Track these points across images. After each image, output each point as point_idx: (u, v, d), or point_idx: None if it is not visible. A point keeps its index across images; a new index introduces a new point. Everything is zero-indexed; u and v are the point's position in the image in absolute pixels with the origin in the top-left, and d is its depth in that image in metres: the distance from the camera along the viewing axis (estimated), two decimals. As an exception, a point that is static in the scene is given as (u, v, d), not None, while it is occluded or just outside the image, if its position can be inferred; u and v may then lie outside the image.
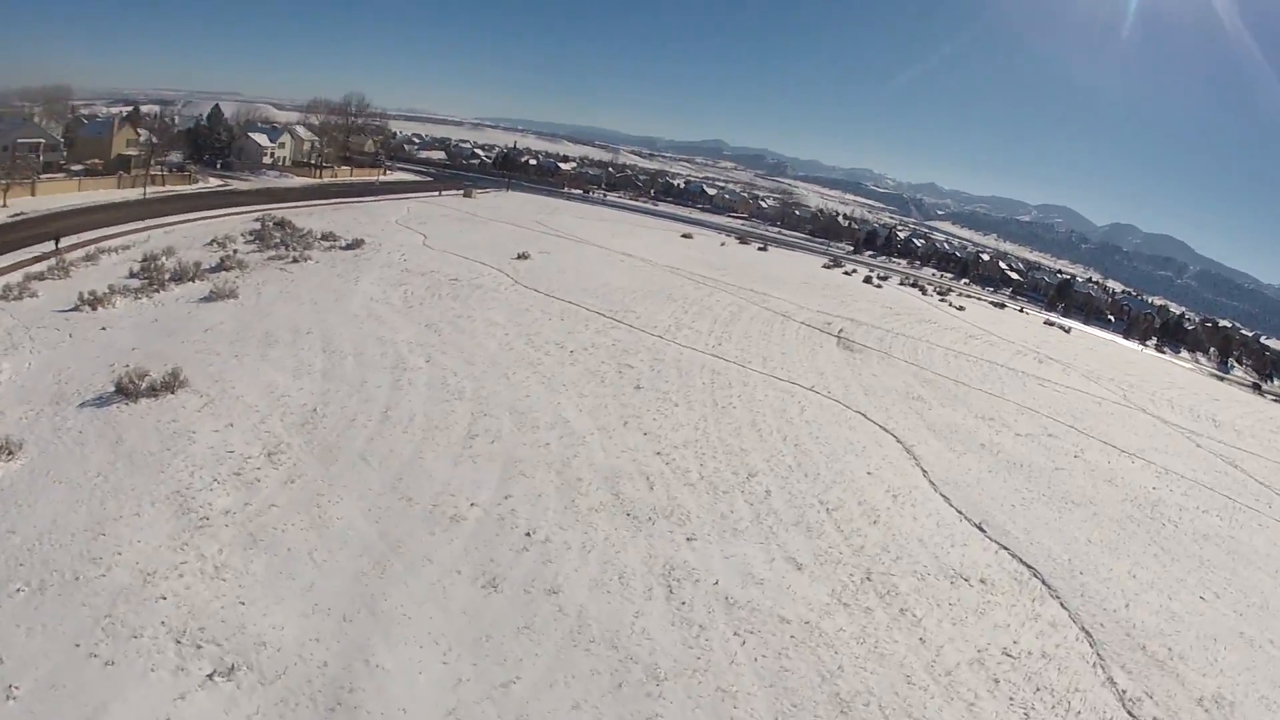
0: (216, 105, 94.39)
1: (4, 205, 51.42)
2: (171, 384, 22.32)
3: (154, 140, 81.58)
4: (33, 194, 56.20)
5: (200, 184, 77.51)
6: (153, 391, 21.82)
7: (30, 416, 19.54)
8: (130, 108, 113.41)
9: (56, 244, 38.42)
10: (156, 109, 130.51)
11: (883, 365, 46.62)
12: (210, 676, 12.11)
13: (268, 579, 14.68)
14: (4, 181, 53.66)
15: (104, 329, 27.58)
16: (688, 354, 39.15)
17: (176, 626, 12.97)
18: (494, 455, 22.49)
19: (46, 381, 22.06)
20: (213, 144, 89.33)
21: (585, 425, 26.44)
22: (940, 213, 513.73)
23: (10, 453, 17.00)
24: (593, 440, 25.16)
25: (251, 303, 34.56)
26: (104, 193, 62.78)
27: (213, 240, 47.65)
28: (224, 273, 39.57)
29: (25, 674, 11.61)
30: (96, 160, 74.33)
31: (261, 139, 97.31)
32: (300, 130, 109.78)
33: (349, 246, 53.50)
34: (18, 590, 13.24)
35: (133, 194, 61.86)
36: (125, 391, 21.43)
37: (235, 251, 44.68)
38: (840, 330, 54.97)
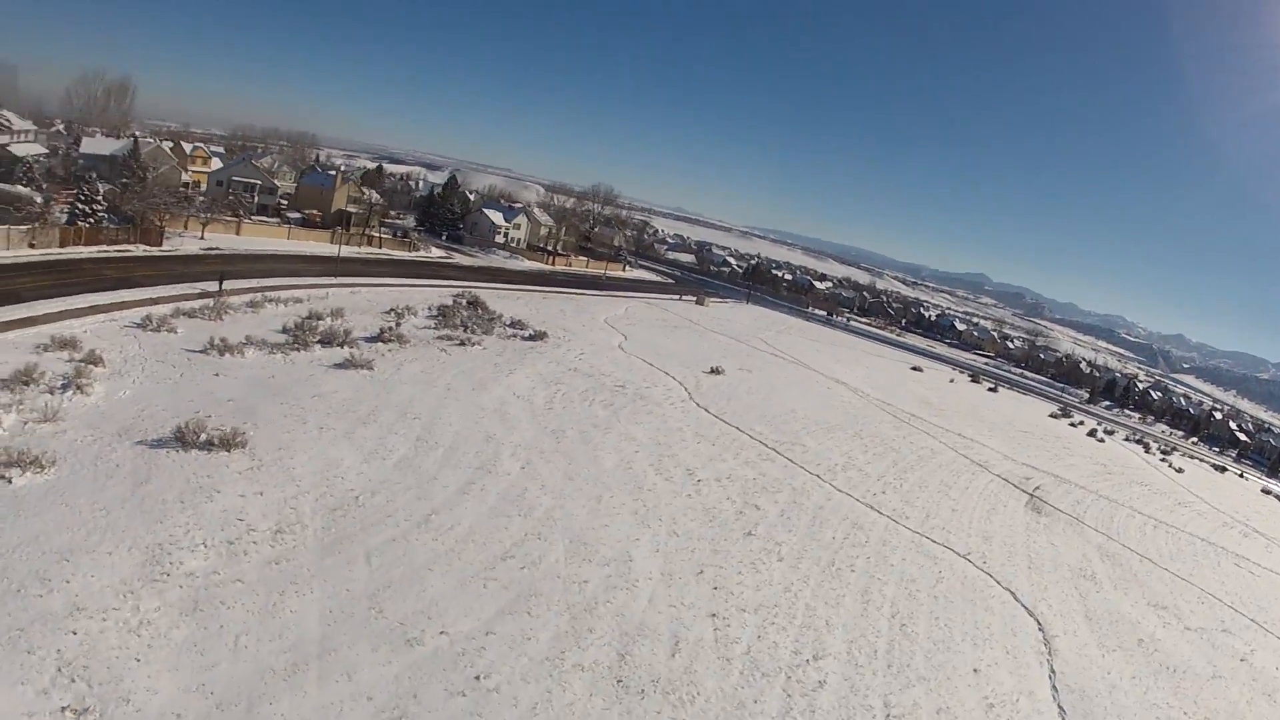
0: (453, 175, 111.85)
1: (201, 238, 65.92)
2: (229, 442, 27.54)
3: (376, 200, 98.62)
4: (237, 233, 71.43)
5: (420, 252, 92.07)
6: (208, 445, 27.13)
7: (86, 440, 25.47)
8: (376, 165, 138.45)
9: (220, 285, 48.50)
10: (415, 171, 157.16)
11: (1067, 533, 49.02)
12: (63, 710, 15.21)
13: (179, 647, 17.74)
14: (205, 215, 69.05)
15: (216, 375, 34.58)
16: (837, 499, 40.16)
17: (67, 659, 16.38)
18: (512, 583, 24.42)
19: (127, 413, 28.45)
20: (444, 214, 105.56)
21: (649, 568, 27.62)
22: (1186, 365, 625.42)
23: (42, 467, 22.51)
24: (644, 587, 26.21)
25: (383, 378, 40.76)
26: (312, 244, 77.61)
27: (391, 309, 56.70)
28: (377, 344, 47.06)
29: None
30: (315, 211, 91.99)
31: (496, 216, 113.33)
32: (537, 213, 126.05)
33: (531, 337, 60.50)
34: (-31, 591, 17.69)
35: (342, 250, 75.30)
36: (183, 440, 26.93)
37: (399, 323, 52.71)
38: (1036, 488, 57.69)
